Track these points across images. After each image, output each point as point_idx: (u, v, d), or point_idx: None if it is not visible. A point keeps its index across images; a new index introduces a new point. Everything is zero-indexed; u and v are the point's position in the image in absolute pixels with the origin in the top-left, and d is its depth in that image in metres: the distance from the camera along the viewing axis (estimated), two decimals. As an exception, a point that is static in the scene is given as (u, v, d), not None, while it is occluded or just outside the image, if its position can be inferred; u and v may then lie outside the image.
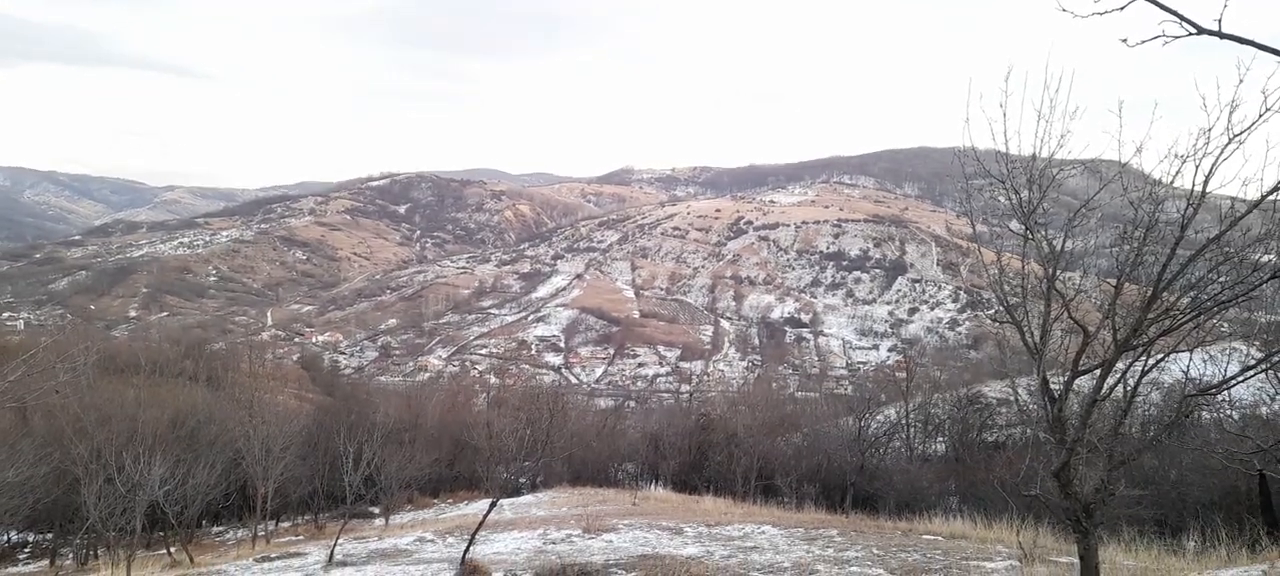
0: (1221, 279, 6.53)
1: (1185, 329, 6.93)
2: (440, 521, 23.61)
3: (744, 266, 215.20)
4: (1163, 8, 4.60)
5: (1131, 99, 6.73)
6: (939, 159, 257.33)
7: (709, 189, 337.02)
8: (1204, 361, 9.54)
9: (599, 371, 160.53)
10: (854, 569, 11.10)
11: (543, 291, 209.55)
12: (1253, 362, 7.32)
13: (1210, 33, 4.59)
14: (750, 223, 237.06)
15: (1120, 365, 7.17)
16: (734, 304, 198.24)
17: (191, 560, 19.08)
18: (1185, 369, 8.88)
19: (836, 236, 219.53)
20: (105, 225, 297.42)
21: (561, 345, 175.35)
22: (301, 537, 25.30)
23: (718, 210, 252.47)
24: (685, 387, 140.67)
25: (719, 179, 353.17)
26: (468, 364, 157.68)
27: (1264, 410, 20.79)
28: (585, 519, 18.18)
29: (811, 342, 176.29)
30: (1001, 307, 8.00)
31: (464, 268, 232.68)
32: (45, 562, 27.70)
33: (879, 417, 36.21)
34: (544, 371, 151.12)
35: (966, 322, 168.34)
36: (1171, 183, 6.75)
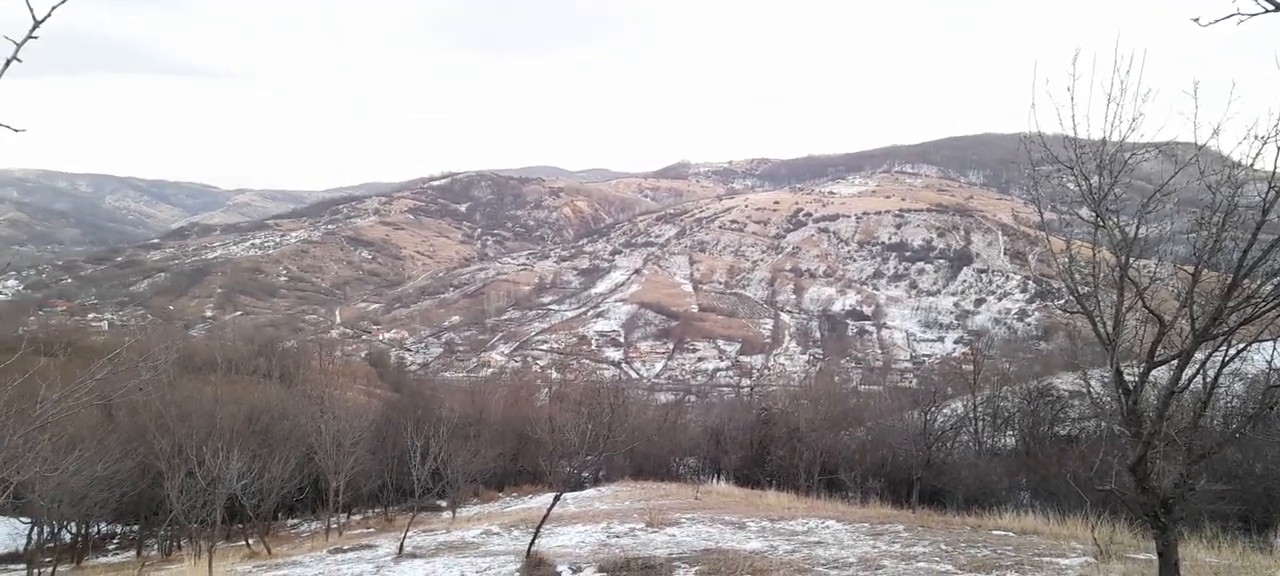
0: (1307, 264, 6.27)
1: (1268, 317, 6.66)
2: (505, 515, 23.98)
3: (804, 259, 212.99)
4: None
5: (1208, 79, 6.49)
6: (1004, 145, 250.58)
7: (767, 181, 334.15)
8: (1290, 351, 9.15)
9: (659, 366, 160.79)
10: (921, 564, 10.94)
11: (602, 287, 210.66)
12: (1343, 351, 7.01)
13: (1288, 10, 4.41)
14: (810, 214, 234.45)
15: (1199, 355, 6.93)
16: (794, 297, 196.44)
17: (269, 551, 19.74)
18: (1269, 359, 8.53)
19: (898, 227, 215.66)
20: (181, 228, 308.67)
21: (621, 340, 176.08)
22: (372, 530, 25.96)
23: (776, 202, 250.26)
24: (745, 382, 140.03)
25: (777, 171, 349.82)
26: (529, 359, 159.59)
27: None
28: (648, 513, 18.27)
29: (874, 335, 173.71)
30: (1072, 297, 7.78)
31: (524, 264, 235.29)
32: (132, 553, 29.00)
33: (945, 411, 35.49)
34: (604, 366, 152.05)
35: (1036, 313, 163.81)
36: (1252, 165, 6.50)
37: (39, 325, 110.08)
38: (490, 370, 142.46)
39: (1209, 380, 7.12)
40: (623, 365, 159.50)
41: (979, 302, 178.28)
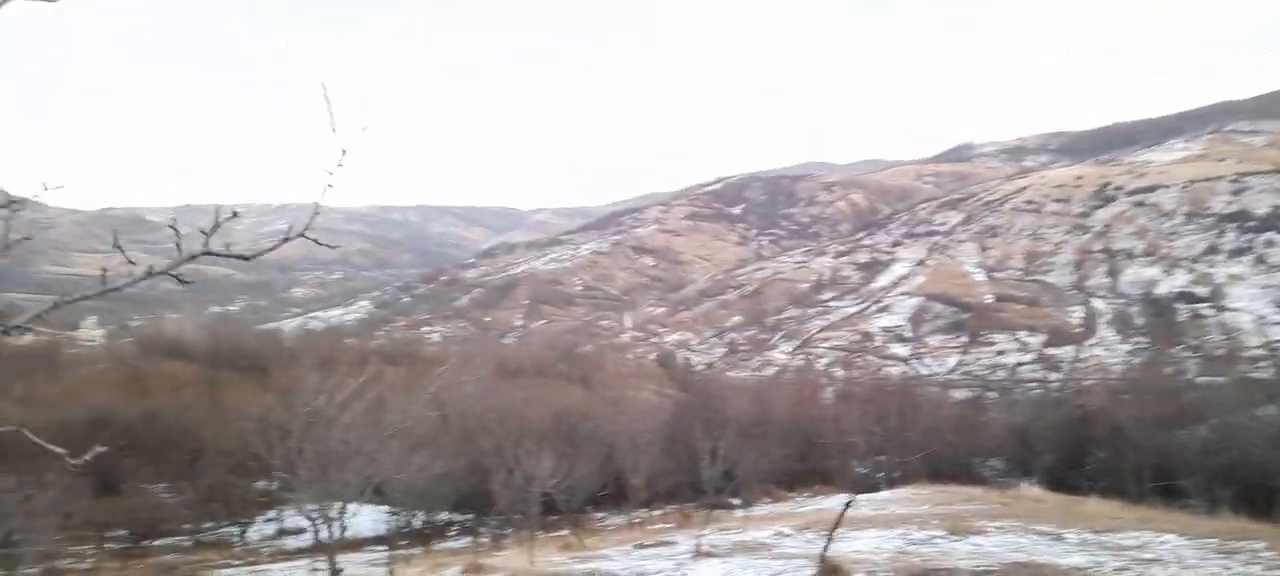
0: None
1: None
2: (797, 516, 23.93)
3: (1116, 237, 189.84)
4: None
5: None
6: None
7: (1064, 155, 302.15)
8: None
9: (952, 361, 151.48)
10: (1294, 591, 9.31)
11: (883, 280, 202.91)
12: None
13: None
14: (1120, 188, 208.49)
15: None
16: (1108, 280, 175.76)
17: (582, 543, 21.36)
18: None
19: (1237, 193, 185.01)
20: (491, 248, 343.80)
21: (908, 335, 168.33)
22: (671, 525, 27.11)
23: (1078, 177, 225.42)
24: (1054, 376, 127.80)
25: (1076, 143, 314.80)
26: (811, 357, 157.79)
27: None
28: (949, 519, 17.32)
29: (1213, 320, 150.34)
30: None
31: (800, 262, 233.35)
32: (469, 539, 32.83)
33: (1315, 406, 29.90)
34: (891, 363, 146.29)
35: None
36: None
37: (386, 338, 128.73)
38: (773, 369, 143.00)
39: None
40: (911, 361, 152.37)
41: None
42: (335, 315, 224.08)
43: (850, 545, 14.82)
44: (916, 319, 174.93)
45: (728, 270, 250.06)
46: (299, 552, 29.12)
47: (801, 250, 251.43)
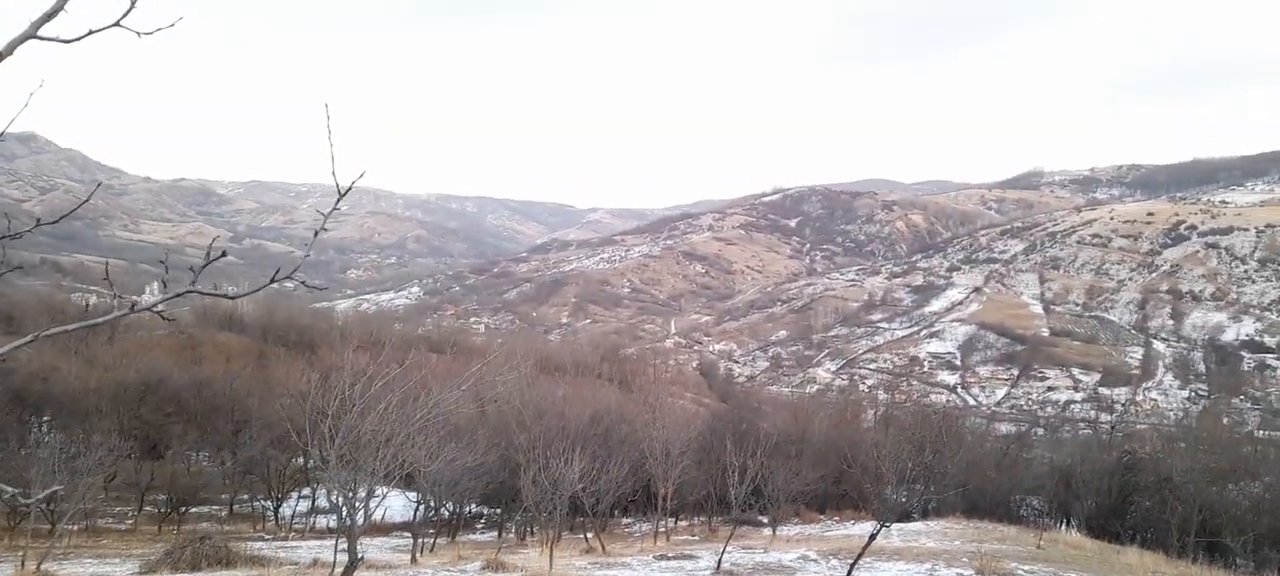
0: None
1: None
2: (825, 540, 23.60)
3: (1185, 278, 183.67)
4: None
5: None
6: None
7: (1138, 190, 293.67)
8: None
9: (1000, 393, 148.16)
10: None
11: (936, 305, 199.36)
12: None
13: None
14: (1193, 227, 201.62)
15: None
16: (1171, 322, 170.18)
17: (604, 548, 21.35)
18: None
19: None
20: (544, 244, 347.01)
21: (957, 363, 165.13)
22: (696, 538, 26.99)
23: (1150, 214, 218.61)
24: (1105, 417, 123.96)
25: (1151, 178, 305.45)
26: (856, 378, 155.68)
27: None
28: (980, 558, 16.90)
29: (1279, 370, 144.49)
30: None
31: (853, 280, 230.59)
32: (495, 533, 33.08)
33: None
34: (938, 390, 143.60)
35: None
36: None
37: (433, 326, 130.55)
38: (816, 387, 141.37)
39: None
40: (958, 390, 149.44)
41: None
42: (387, 299, 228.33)
43: (874, 575, 14.57)
44: (967, 347, 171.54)
45: (778, 282, 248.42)
46: (328, 531, 29.68)
47: (855, 268, 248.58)
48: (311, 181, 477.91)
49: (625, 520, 35.61)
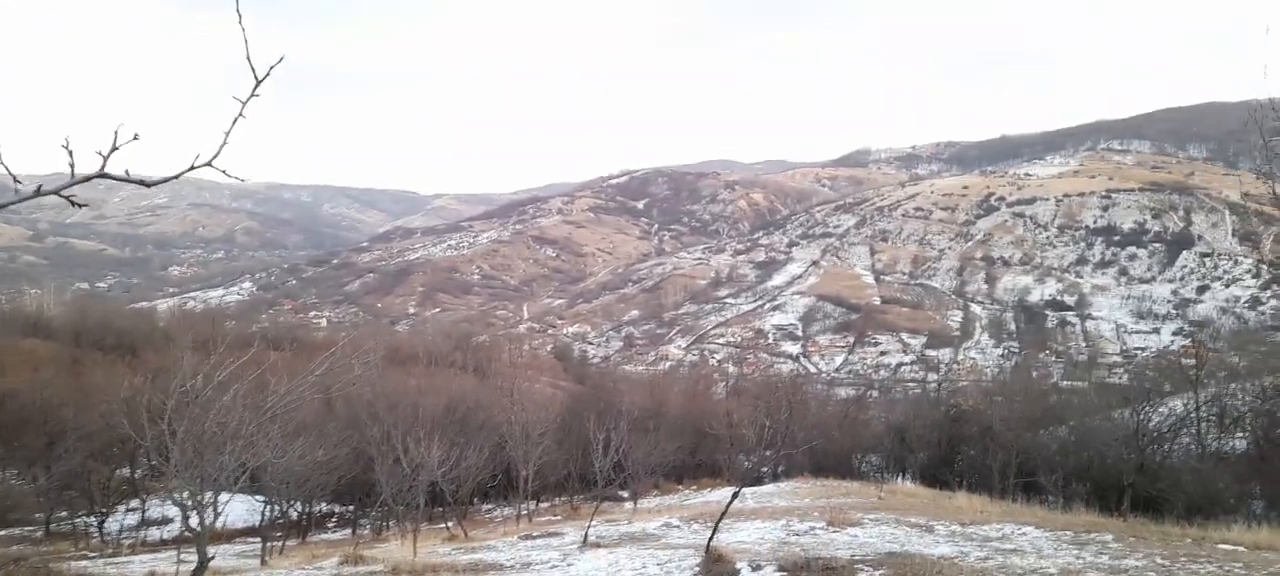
0: None
1: None
2: (685, 508, 24.27)
3: (996, 246, 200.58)
4: None
5: None
6: (1232, 115, 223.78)
7: (954, 165, 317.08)
8: None
9: (839, 360, 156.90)
10: (1133, 579, 10.04)
11: (778, 279, 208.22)
12: None
13: None
14: (1002, 198, 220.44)
15: None
16: (986, 287, 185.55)
17: (466, 534, 21.04)
18: None
19: (1105, 209, 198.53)
20: (387, 232, 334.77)
21: (799, 333, 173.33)
22: (559, 518, 27.06)
23: (965, 187, 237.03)
24: (932, 377, 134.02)
25: (965, 154, 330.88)
26: (706, 353, 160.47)
27: None
28: (829, 511, 17.90)
29: (1077, 327, 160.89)
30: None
31: (700, 259, 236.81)
32: (349, 531, 31.86)
33: (1162, 410, 32.29)
34: (782, 360, 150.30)
35: (1272, 301, 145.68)
36: None
37: (270, 322, 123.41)
38: (668, 364, 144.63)
39: None
40: (801, 359, 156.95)
41: (1202, 290, 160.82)
42: (216, 296, 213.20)
43: (735, 536, 15.13)
44: (808, 318, 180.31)
45: (629, 264, 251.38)
46: (163, 544, 27.66)
47: (702, 247, 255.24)
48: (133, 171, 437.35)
49: (486, 506, 35.20)
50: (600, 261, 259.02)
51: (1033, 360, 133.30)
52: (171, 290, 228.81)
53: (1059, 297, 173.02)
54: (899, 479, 33.22)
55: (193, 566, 10.98)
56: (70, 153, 2.79)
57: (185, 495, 11.54)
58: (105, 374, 41.31)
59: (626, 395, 43.36)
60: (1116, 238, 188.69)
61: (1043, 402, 39.75)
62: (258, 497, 27.03)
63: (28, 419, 36.53)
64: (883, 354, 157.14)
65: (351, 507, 34.48)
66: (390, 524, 28.01)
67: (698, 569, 11.74)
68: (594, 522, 17.86)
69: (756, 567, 11.39)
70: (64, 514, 32.76)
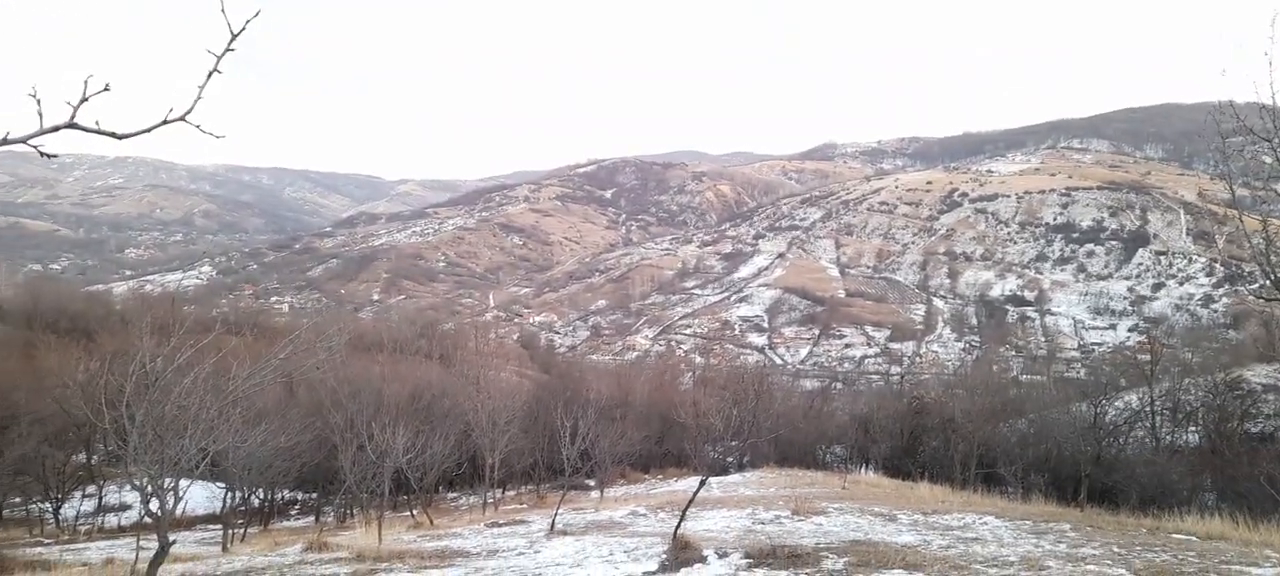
0: None
1: None
2: (651, 497, 24.35)
3: (959, 241, 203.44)
4: None
5: None
6: (1188, 116, 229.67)
7: (918, 160, 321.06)
8: None
9: (804, 352, 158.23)
10: (1091, 567, 10.27)
11: (745, 271, 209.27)
12: None
13: None
14: (965, 194, 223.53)
15: None
16: (948, 281, 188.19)
17: (431, 522, 20.91)
18: None
19: (1065, 206, 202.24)
20: (351, 217, 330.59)
21: (765, 325, 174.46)
22: (525, 506, 27.00)
23: (929, 182, 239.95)
24: (895, 369, 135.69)
25: (929, 149, 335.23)
26: (673, 343, 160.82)
27: None
28: (794, 500, 18.06)
29: (1037, 322, 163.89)
30: (1269, 282, 7.08)
31: (667, 249, 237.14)
32: (312, 518, 31.50)
33: (1118, 404, 33.11)
34: (748, 351, 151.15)
35: (1224, 299, 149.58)
36: None
37: (230, 307, 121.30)
38: (635, 354, 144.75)
39: None
40: (766, 351, 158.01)
41: (1157, 287, 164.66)
42: (174, 279, 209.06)
43: (702, 524, 15.22)
44: (773, 310, 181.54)
45: (596, 253, 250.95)
46: (121, 530, 27.13)
47: (669, 237, 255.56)
48: (78, 152, 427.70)
49: (451, 495, 35.01)
50: (567, 250, 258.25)
51: (993, 354, 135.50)
52: (128, 273, 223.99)
53: (1019, 293, 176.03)
54: (862, 469, 33.66)
55: (152, 553, 10.78)
56: (38, 102, 2.70)
57: (145, 480, 11.32)
58: (60, 357, 40.37)
59: (593, 384, 43.37)
60: (1075, 235, 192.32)
61: (1003, 396, 40.43)
62: (219, 484, 26.61)
63: (-23, 403, 35.58)
64: (847, 346, 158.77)
65: (315, 495, 34.11)
66: (354, 511, 27.76)
67: (664, 556, 11.78)
68: (561, 511, 17.85)
69: (723, 554, 11.47)
70: (18, 499, 32.03)
